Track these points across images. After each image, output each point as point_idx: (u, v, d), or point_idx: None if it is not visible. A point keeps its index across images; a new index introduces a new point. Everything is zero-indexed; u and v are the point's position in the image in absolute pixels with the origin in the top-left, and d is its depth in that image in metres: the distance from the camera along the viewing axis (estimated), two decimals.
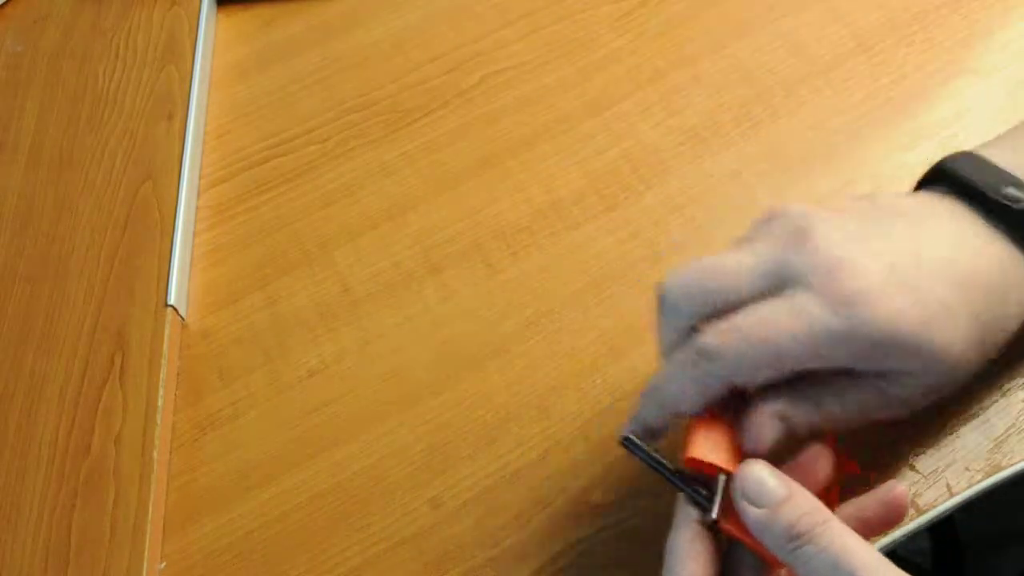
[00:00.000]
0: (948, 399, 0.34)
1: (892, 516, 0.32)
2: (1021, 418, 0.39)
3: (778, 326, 0.30)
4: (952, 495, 0.38)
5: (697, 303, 0.32)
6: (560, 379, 0.43)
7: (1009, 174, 0.34)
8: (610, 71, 0.54)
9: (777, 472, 0.30)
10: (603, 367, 0.43)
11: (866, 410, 0.32)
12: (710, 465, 0.31)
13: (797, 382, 0.32)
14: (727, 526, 0.31)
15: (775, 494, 0.29)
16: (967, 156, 0.35)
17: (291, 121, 0.56)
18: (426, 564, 0.39)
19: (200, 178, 0.54)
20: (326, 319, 0.47)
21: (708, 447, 0.31)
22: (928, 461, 0.39)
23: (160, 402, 0.44)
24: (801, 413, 0.32)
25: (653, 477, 0.40)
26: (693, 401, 0.32)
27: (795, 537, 0.28)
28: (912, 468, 0.39)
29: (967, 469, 0.38)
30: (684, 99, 0.52)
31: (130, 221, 0.51)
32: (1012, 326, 0.34)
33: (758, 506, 0.29)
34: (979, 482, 0.38)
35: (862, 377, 0.32)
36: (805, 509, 0.28)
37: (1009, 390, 0.40)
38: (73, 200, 0.52)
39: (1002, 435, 0.39)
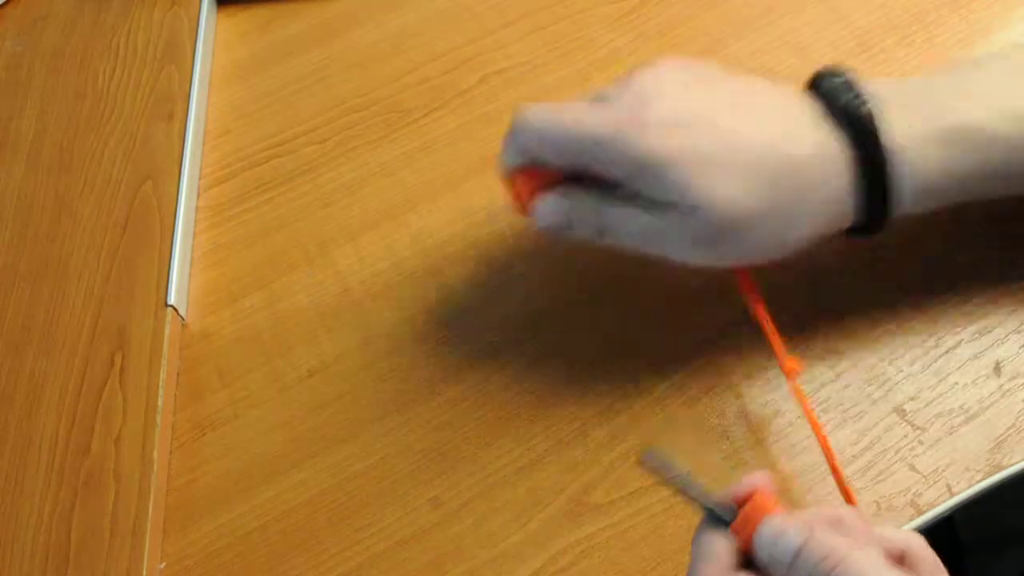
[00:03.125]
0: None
1: None
2: (1021, 418, 0.39)
3: (569, 119, 0.36)
4: (952, 495, 0.38)
5: (536, 149, 0.37)
6: (560, 379, 0.43)
7: (864, 93, 0.36)
8: (610, 71, 0.54)
9: (796, 519, 0.30)
10: (603, 367, 0.43)
11: (641, 237, 0.36)
12: None
13: (601, 192, 0.36)
14: (747, 545, 0.31)
15: (792, 544, 0.29)
16: (840, 71, 0.38)
17: (291, 121, 0.56)
18: (426, 564, 0.39)
19: (200, 178, 0.54)
20: (326, 319, 0.47)
21: (522, 180, 0.38)
22: (928, 461, 0.39)
23: (160, 402, 0.44)
24: (585, 210, 0.37)
25: (652, 478, 0.40)
26: (511, 160, 0.38)
27: None
28: (912, 468, 0.39)
29: (967, 469, 0.38)
30: None
31: (130, 221, 0.51)
32: (820, 222, 0.36)
33: (780, 562, 0.29)
34: (979, 482, 0.38)
35: (647, 206, 0.35)
36: (822, 553, 0.28)
37: (1009, 390, 0.40)
38: (73, 200, 0.52)
39: (1002, 435, 0.39)
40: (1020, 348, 0.41)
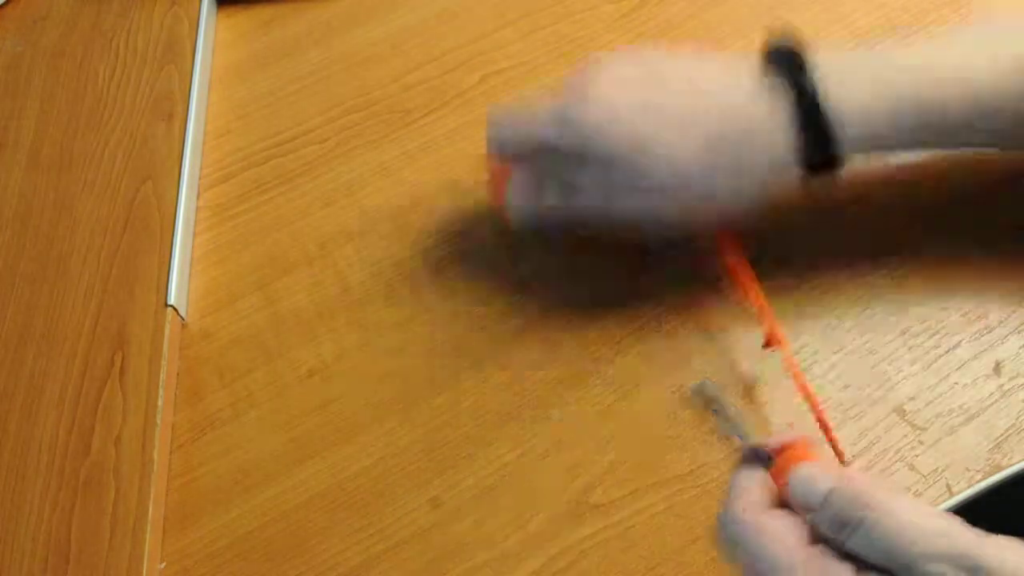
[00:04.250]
0: None
1: None
2: (1021, 418, 0.39)
3: (524, 114, 0.42)
4: (952, 495, 0.38)
5: (512, 144, 0.43)
6: (560, 379, 0.43)
7: (800, 45, 0.39)
8: None
9: (824, 467, 0.30)
10: (603, 367, 0.43)
11: (599, 195, 0.40)
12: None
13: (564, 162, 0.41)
14: (782, 486, 0.31)
15: (821, 487, 0.29)
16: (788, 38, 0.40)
17: (291, 121, 0.56)
18: (426, 564, 0.39)
19: (200, 178, 0.54)
20: (326, 319, 0.47)
21: (499, 171, 0.43)
22: (928, 461, 0.39)
23: (160, 402, 0.44)
24: (552, 187, 0.41)
25: (653, 477, 0.40)
26: (492, 149, 0.44)
27: (844, 525, 0.27)
28: (912, 468, 0.39)
29: (967, 469, 0.38)
30: None
31: (130, 221, 0.51)
32: (764, 163, 0.38)
33: (809, 508, 0.29)
34: (979, 482, 0.38)
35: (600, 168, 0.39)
36: (852, 494, 0.28)
37: (1009, 390, 0.40)
38: (73, 200, 0.52)
39: (1002, 435, 0.39)
40: (1020, 348, 0.41)
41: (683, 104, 0.39)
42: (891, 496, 0.27)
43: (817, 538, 0.28)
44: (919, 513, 0.26)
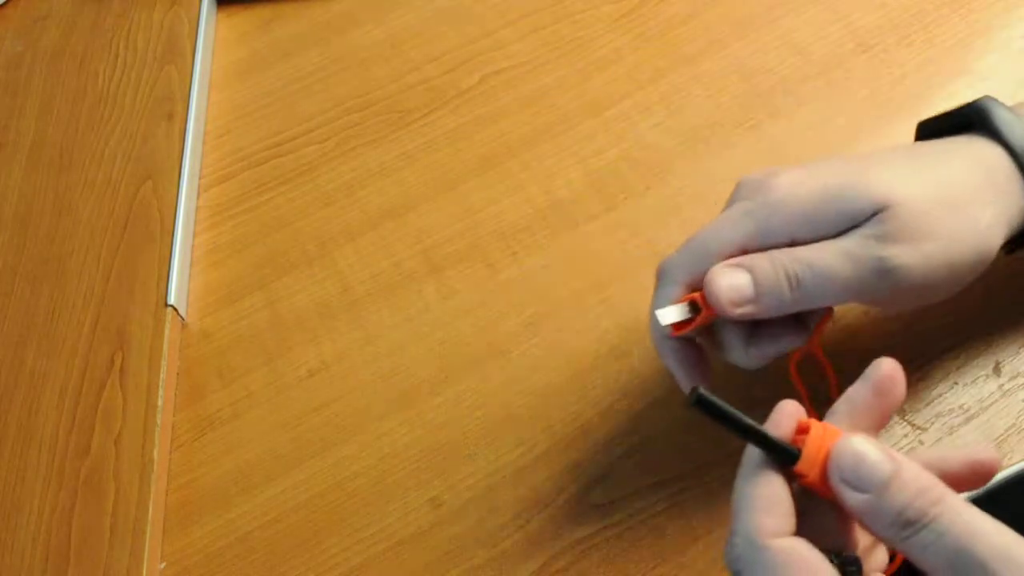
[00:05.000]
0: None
1: (978, 479, 0.28)
2: (1021, 418, 0.39)
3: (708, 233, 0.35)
4: None
5: (686, 266, 0.35)
6: (560, 379, 0.43)
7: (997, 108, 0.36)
8: (610, 71, 0.54)
9: (878, 444, 0.26)
10: (603, 367, 0.43)
11: (837, 269, 0.32)
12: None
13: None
14: (813, 482, 0.27)
15: (879, 472, 0.25)
16: (999, 104, 0.36)
17: (291, 121, 0.56)
18: (426, 564, 0.39)
19: (200, 178, 0.54)
20: (326, 319, 0.47)
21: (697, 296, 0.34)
22: None
23: (160, 402, 0.44)
24: (766, 264, 0.33)
25: (653, 478, 0.40)
26: (674, 289, 0.35)
27: (908, 523, 0.24)
28: None
29: None
30: (684, 99, 0.52)
31: (130, 221, 0.51)
32: (1001, 214, 0.35)
33: (860, 490, 0.25)
34: None
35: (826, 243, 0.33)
36: (917, 487, 0.24)
37: (1009, 390, 0.40)
38: (73, 200, 0.52)
39: (1002, 435, 0.39)
40: (1020, 348, 0.41)
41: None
42: (957, 496, 0.24)
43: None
44: (989, 523, 0.24)
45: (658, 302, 0.35)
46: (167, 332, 0.46)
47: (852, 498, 0.25)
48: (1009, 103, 0.37)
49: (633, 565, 0.38)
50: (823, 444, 0.27)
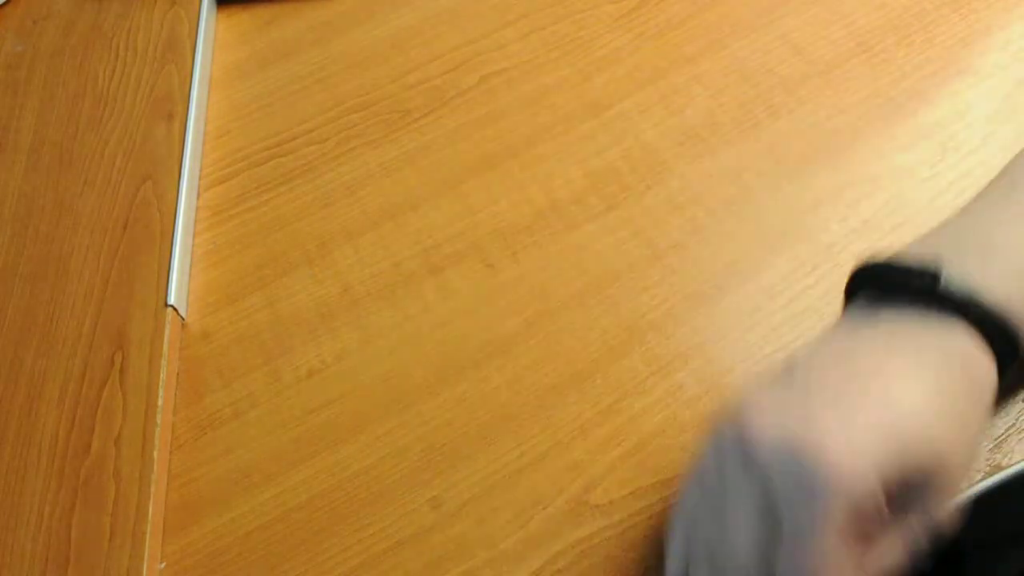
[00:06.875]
0: None
1: None
2: (1021, 418, 0.39)
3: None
4: None
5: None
6: (560, 379, 0.43)
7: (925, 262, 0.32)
8: (610, 71, 0.54)
9: None
10: (603, 367, 0.43)
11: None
12: None
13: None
14: None
15: None
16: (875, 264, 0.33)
17: (291, 121, 0.56)
18: (426, 564, 0.39)
19: (200, 178, 0.54)
20: (326, 319, 0.47)
21: None
22: None
23: (160, 402, 0.44)
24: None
25: (653, 478, 0.40)
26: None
27: None
28: None
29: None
30: (684, 99, 0.52)
31: (130, 221, 0.51)
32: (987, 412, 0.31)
33: None
34: (979, 482, 0.38)
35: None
36: None
37: None
38: (73, 200, 0.52)
39: (1002, 435, 0.39)
40: None
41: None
42: None
43: None
44: None
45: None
46: (167, 332, 0.46)
47: None
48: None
49: (633, 565, 0.38)
50: None
